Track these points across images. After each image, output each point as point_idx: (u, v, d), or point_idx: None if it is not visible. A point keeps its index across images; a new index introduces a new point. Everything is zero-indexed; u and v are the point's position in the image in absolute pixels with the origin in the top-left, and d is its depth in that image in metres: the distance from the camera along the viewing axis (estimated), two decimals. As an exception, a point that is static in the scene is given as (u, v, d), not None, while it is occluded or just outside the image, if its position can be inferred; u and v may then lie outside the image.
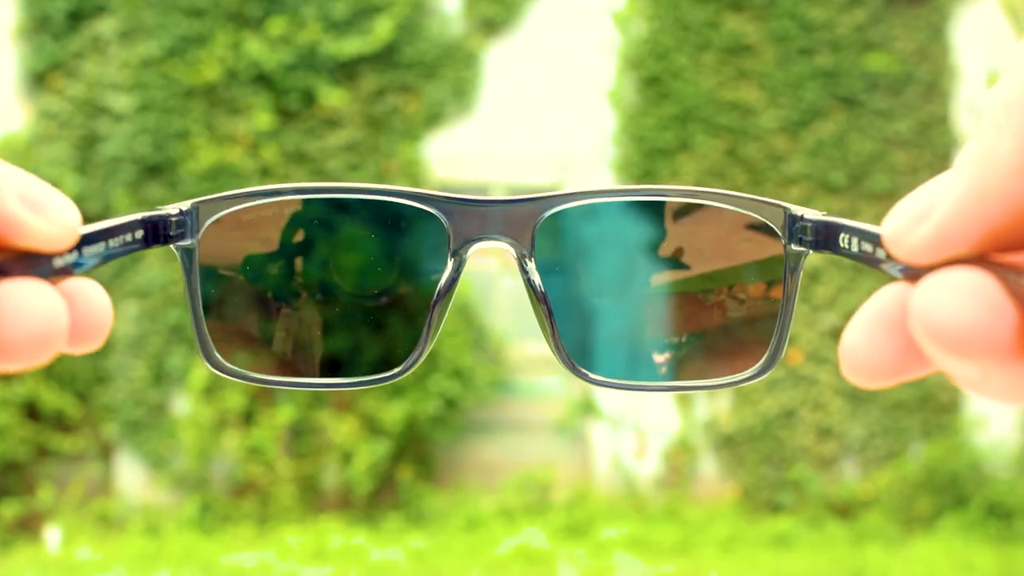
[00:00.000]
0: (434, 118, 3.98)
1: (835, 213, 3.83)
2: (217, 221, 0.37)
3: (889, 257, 0.27)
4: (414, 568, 3.28)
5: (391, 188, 0.37)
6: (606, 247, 0.38)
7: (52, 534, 3.51)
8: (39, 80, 3.84)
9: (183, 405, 3.75)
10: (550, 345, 0.38)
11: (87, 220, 0.29)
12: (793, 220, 0.35)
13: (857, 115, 4.06)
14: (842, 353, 0.27)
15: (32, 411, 3.65)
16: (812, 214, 0.35)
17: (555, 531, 3.62)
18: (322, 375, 0.39)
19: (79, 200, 3.55)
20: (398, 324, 0.39)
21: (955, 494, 3.80)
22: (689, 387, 0.39)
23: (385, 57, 3.94)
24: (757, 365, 0.38)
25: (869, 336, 0.26)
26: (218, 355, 0.38)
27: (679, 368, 0.39)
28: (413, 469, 3.82)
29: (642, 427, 3.97)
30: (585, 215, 0.38)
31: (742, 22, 4.05)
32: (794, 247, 0.36)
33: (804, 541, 3.62)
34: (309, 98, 3.87)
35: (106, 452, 3.79)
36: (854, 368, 0.26)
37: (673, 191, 0.37)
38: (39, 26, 3.83)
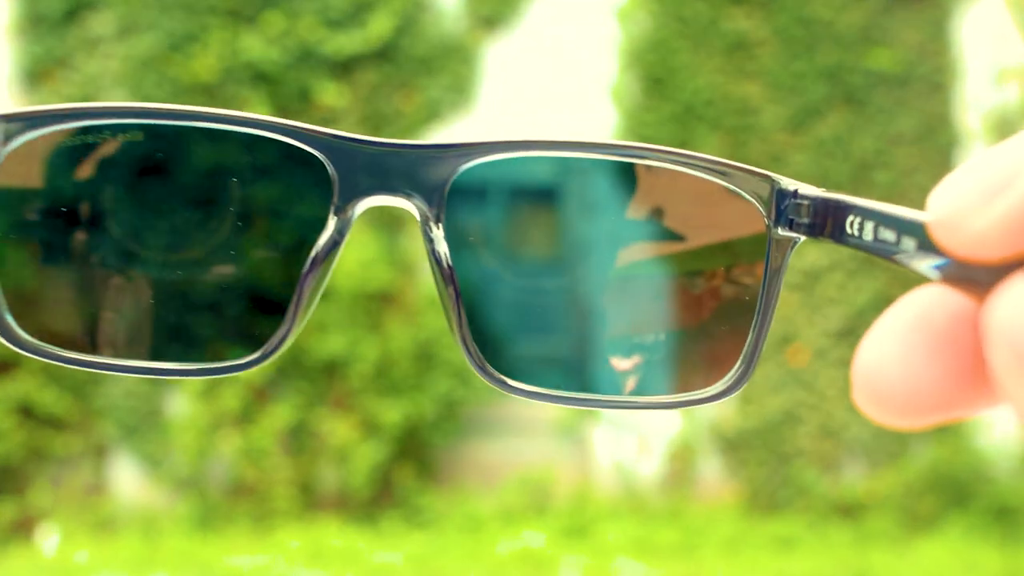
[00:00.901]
0: (433, 115, 3.95)
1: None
2: (19, 148, 0.28)
3: (926, 249, 0.20)
4: (413, 570, 3.25)
5: (260, 118, 0.29)
6: (539, 217, 0.30)
7: (47, 536, 3.48)
8: (35, 77, 3.81)
9: (180, 406, 3.72)
10: (456, 339, 0.29)
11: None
12: (782, 196, 0.28)
13: (859, 113, 4.03)
14: (861, 379, 0.20)
15: (27, 411, 3.62)
16: (809, 190, 0.27)
17: (555, 533, 3.59)
18: (152, 358, 0.30)
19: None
20: (258, 298, 0.30)
21: (960, 495, 3.77)
22: (634, 404, 0.30)
23: (383, 54, 3.91)
24: (723, 380, 0.29)
25: (903, 357, 0.19)
26: (10, 320, 0.29)
27: (625, 378, 0.30)
28: (412, 470, 3.79)
29: (643, 428, 3.94)
30: (516, 173, 0.29)
31: (744, 19, 4.02)
32: (781, 232, 0.28)
33: (807, 543, 3.60)
34: (306, 95, 3.84)
35: (102, 453, 3.76)
36: (881, 399, 0.20)
37: (631, 149, 0.29)
38: (35, 22, 3.81)
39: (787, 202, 0.28)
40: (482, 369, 0.29)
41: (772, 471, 3.92)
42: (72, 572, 3.19)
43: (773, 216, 0.28)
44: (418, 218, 0.29)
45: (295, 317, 0.29)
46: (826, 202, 0.26)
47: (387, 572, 3.25)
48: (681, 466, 3.95)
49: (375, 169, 0.29)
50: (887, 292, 3.88)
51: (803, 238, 0.28)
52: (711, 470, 3.97)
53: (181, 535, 3.51)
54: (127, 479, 3.73)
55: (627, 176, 0.29)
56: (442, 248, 0.29)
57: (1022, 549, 3.52)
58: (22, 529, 3.59)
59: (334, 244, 0.29)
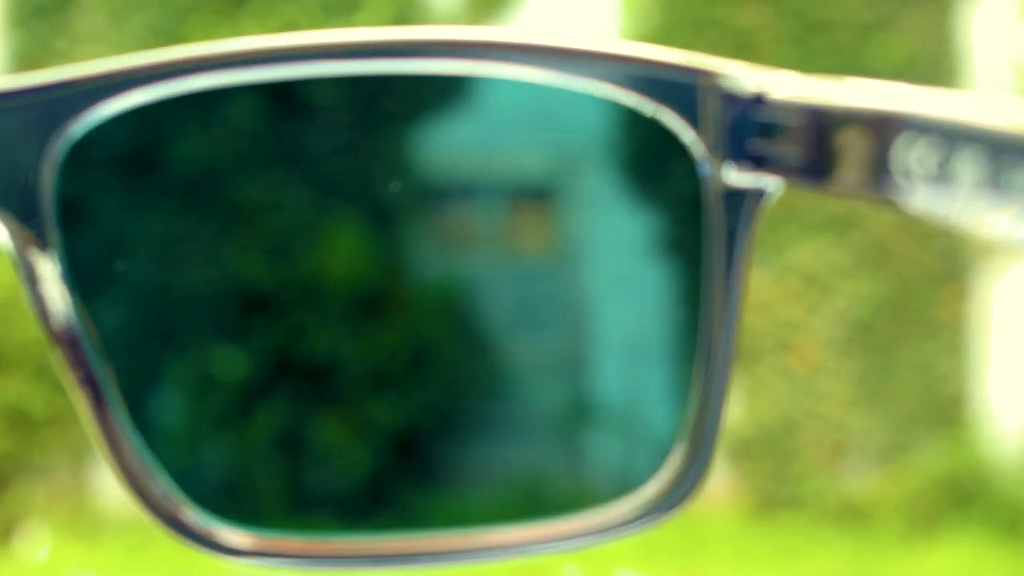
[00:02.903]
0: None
1: (842, 213, 3.74)
2: None
3: None
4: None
5: None
6: (257, 213, 0.16)
7: (34, 541, 3.47)
8: (30, 67, 3.80)
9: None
10: (103, 455, 0.14)
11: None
12: (732, 107, 0.14)
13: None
14: None
15: (12, 413, 3.59)
16: (789, 88, 0.14)
17: (553, 535, 3.58)
18: None
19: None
20: None
21: (966, 497, 3.77)
22: (476, 553, 0.17)
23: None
24: (644, 492, 0.15)
25: None
26: None
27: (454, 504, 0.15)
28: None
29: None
30: (204, 125, 0.15)
31: (747, 12, 4.01)
32: (732, 177, 0.14)
33: (811, 546, 3.59)
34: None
35: (91, 455, 3.73)
36: None
37: (424, 46, 0.14)
38: (28, 11, 3.81)
39: (746, 115, 0.14)
40: (169, 520, 0.14)
41: (776, 473, 3.90)
42: None
43: (722, 144, 0.14)
44: (9, 243, 0.14)
45: None
46: (831, 115, 0.11)
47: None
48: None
49: None
50: (903, 282, 3.82)
51: (776, 184, 0.13)
52: (714, 472, 3.94)
53: (171, 540, 3.49)
54: (115, 482, 3.71)
55: (446, 107, 0.14)
56: (54, 291, 0.15)
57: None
58: (7, 534, 3.55)
59: None
